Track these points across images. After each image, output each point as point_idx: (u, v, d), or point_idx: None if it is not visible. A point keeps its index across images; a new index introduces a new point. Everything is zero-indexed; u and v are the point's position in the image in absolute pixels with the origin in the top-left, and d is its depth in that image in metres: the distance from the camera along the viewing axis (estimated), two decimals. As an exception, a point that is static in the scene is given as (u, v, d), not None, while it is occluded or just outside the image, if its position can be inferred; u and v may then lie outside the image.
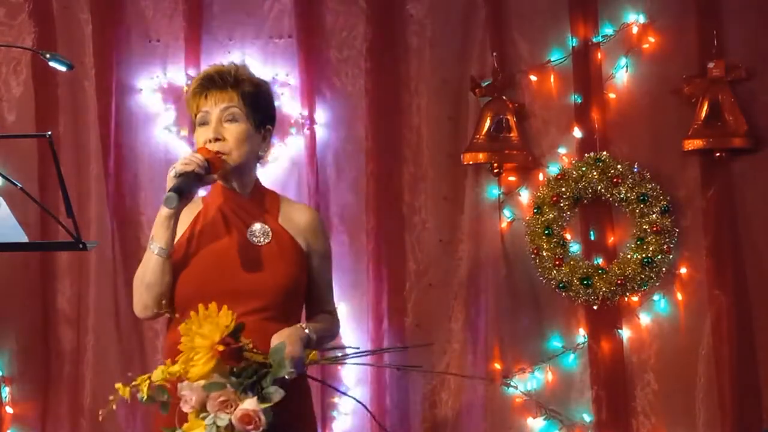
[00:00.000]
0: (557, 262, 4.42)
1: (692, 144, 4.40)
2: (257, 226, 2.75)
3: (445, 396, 4.51)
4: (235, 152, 2.73)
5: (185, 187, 2.62)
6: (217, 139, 2.72)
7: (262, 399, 2.43)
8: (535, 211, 4.46)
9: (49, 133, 3.04)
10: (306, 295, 2.84)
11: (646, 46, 4.49)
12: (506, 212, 4.53)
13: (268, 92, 2.82)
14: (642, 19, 4.49)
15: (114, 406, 2.52)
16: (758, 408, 4.37)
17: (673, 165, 4.47)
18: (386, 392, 4.47)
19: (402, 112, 4.58)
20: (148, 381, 2.52)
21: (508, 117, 4.48)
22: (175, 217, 2.67)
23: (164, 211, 2.66)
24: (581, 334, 4.47)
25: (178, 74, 4.65)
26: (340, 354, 2.88)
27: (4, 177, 3.34)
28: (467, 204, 4.55)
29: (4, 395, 4.61)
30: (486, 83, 4.52)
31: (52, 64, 3.84)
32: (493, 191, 4.53)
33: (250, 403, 2.41)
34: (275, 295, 2.68)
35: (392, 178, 4.58)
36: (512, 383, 4.45)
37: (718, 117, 4.37)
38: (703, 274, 4.42)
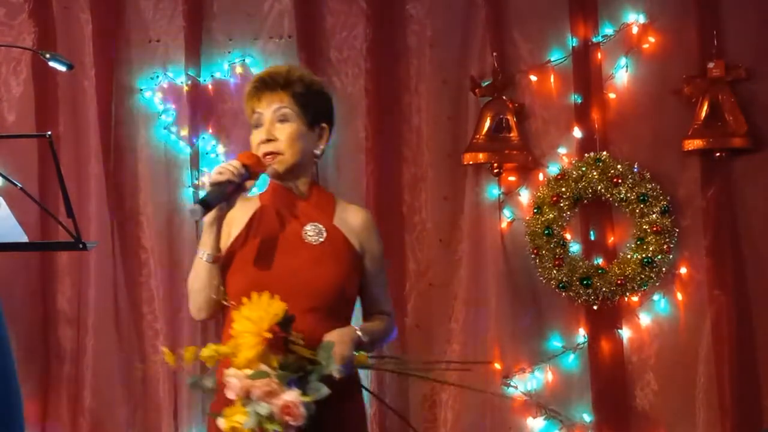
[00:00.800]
0: (557, 262, 4.42)
1: (692, 144, 4.40)
2: (311, 226, 2.76)
3: (445, 396, 4.50)
4: (287, 152, 2.74)
5: (213, 200, 2.62)
6: (269, 140, 2.74)
7: (305, 393, 2.45)
8: (535, 211, 4.46)
9: (49, 133, 3.05)
10: (361, 296, 2.86)
11: (646, 46, 4.49)
12: (506, 212, 4.53)
13: (320, 91, 2.83)
14: (642, 19, 4.49)
15: (140, 372, 2.56)
16: (758, 408, 4.38)
17: (673, 165, 4.47)
18: (386, 392, 4.47)
19: (402, 112, 4.58)
20: (194, 351, 2.54)
21: (508, 117, 4.48)
22: (218, 222, 2.69)
23: (207, 218, 2.69)
24: (581, 334, 4.47)
25: (178, 74, 4.65)
26: (389, 362, 2.89)
27: (4, 177, 3.34)
28: (467, 204, 4.55)
29: (4, 395, 4.60)
30: (486, 83, 4.52)
31: (52, 64, 3.84)
32: (493, 191, 4.53)
33: (291, 395, 2.44)
34: (327, 295, 2.69)
35: (392, 178, 4.58)
36: (512, 383, 4.45)
37: (718, 117, 4.37)
38: (703, 274, 4.43)
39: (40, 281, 4.67)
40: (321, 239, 2.74)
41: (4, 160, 4.45)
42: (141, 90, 4.69)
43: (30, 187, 3.64)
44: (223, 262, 2.72)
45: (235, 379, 2.47)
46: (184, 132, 4.63)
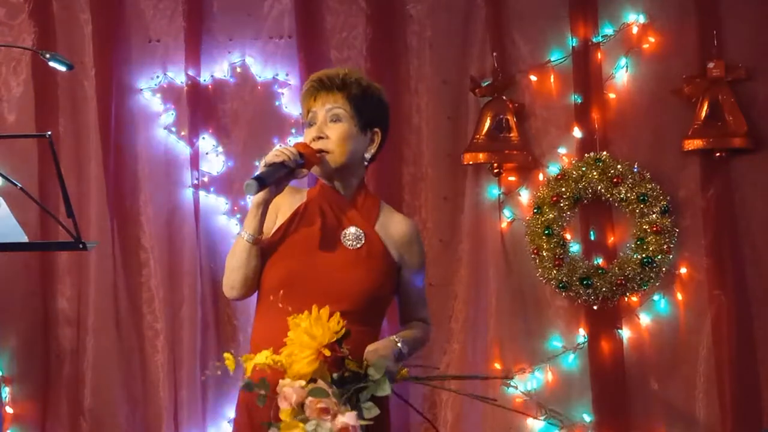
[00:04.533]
0: (557, 262, 4.42)
1: (692, 144, 4.40)
2: (352, 229, 2.76)
3: (445, 396, 4.51)
4: (336, 150, 2.75)
5: (268, 177, 2.63)
6: (320, 138, 2.75)
7: (360, 414, 2.46)
8: (535, 211, 4.46)
9: (49, 133, 3.05)
10: (399, 303, 2.87)
11: (646, 46, 4.49)
12: (506, 212, 4.53)
13: (376, 96, 2.83)
14: (642, 19, 4.49)
15: (218, 372, 2.53)
16: (758, 408, 4.38)
17: (673, 165, 4.47)
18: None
19: (402, 112, 4.58)
20: (252, 360, 2.52)
21: (508, 117, 4.48)
22: (264, 205, 2.70)
23: (254, 200, 2.70)
24: (581, 334, 4.47)
25: (178, 74, 4.65)
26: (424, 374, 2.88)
27: (4, 177, 3.34)
28: (467, 204, 4.55)
29: (4, 395, 4.61)
30: (486, 83, 4.52)
31: (52, 64, 3.84)
32: (493, 191, 4.53)
33: (351, 417, 2.43)
34: (358, 301, 2.69)
35: (392, 178, 4.58)
36: (512, 383, 4.45)
37: (718, 117, 4.37)
38: (703, 274, 4.43)
39: (40, 281, 4.67)
40: (359, 245, 2.75)
41: (4, 160, 4.45)
42: (141, 90, 4.69)
43: (30, 187, 3.65)
44: (263, 249, 2.73)
45: (290, 390, 2.46)
46: (184, 132, 4.63)
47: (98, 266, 4.62)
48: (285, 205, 2.80)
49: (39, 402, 4.64)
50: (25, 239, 3.09)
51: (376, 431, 2.63)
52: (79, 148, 4.69)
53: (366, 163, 2.83)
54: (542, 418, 4.42)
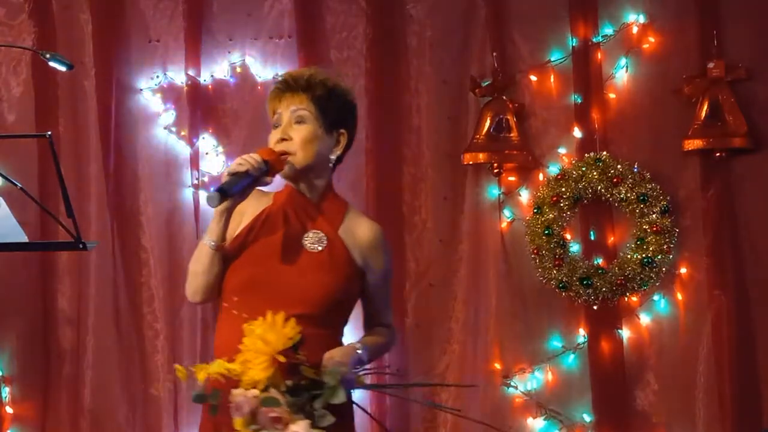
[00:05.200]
0: (557, 262, 4.42)
1: (692, 144, 4.40)
2: (313, 233, 2.75)
3: (445, 396, 4.50)
4: (300, 152, 2.73)
5: (231, 188, 2.62)
6: (284, 140, 2.74)
7: (313, 422, 2.43)
8: (535, 211, 4.46)
9: (49, 133, 3.04)
10: (363, 308, 2.85)
11: (646, 46, 4.49)
12: (506, 212, 4.53)
13: (342, 97, 2.80)
14: (642, 19, 4.49)
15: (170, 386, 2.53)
16: (758, 408, 4.38)
17: (673, 165, 4.47)
18: (386, 391, 4.46)
19: (402, 112, 4.58)
20: (206, 368, 2.50)
21: (508, 117, 4.48)
22: (228, 213, 2.69)
23: (219, 207, 2.69)
24: (581, 334, 4.47)
25: (178, 74, 4.65)
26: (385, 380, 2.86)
27: (4, 177, 3.34)
28: (467, 204, 4.55)
29: (4, 395, 4.61)
30: (486, 83, 4.52)
31: (52, 64, 3.83)
32: (493, 191, 4.53)
33: (302, 426, 2.41)
34: (317, 304, 2.67)
35: (392, 178, 4.58)
36: (512, 383, 4.45)
37: (718, 117, 4.37)
38: (703, 274, 4.43)
39: (40, 281, 4.67)
40: (320, 248, 2.72)
41: (4, 160, 4.45)
42: (141, 90, 4.69)
43: (30, 187, 3.64)
44: (225, 254, 2.73)
45: (243, 399, 2.44)
46: (184, 132, 4.63)
47: (98, 266, 4.62)
48: (250, 209, 2.78)
49: (39, 402, 4.64)
50: (25, 239, 3.09)
51: None
52: (79, 148, 4.69)
53: (332, 165, 2.80)
54: (542, 417, 4.43)
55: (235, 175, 2.63)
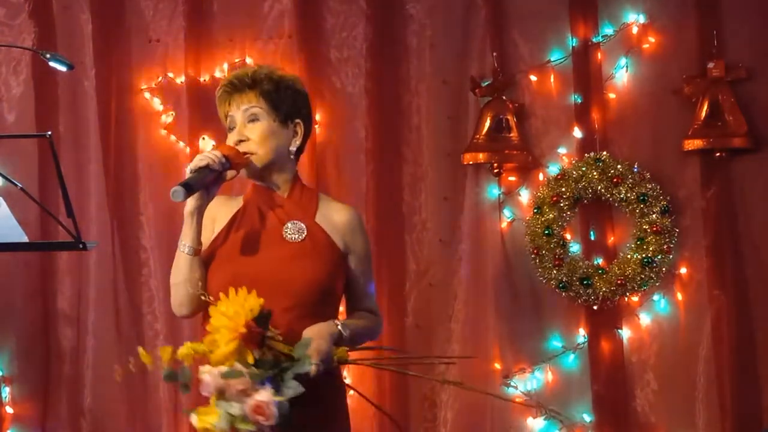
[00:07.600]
0: (557, 262, 4.42)
1: (692, 144, 4.40)
2: (291, 224, 2.76)
3: (445, 396, 4.50)
4: (260, 151, 2.75)
5: (195, 183, 2.64)
6: (241, 141, 2.75)
7: (279, 392, 2.43)
8: (535, 211, 4.46)
9: (49, 133, 3.04)
10: (346, 293, 2.86)
11: (646, 46, 4.49)
12: (506, 212, 4.53)
13: (291, 87, 2.82)
14: (642, 19, 4.49)
15: (132, 369, 2.51)
16: (758, 408, 4.37)
17: (673, 165, 4.47)
18: (386, 391, 4.46)
19: (402, 112, 4.58)
20: (170, 351, 2.50)
21: (508, 117, 4.48)
22: (198, 214, 2.70)
23: (187, 209, 2.71)
24: (581, 334, 4.47)
25: (178, 74, 4.65)
26: (376, 355, 2.86)
27: (4, 177, 3.34)
28: (467, 204, 4.55)
29: (4, 395, 4.61)
30: (486, 83, 4.52)
31: (52, 64, 3.84)
32: (493, 191, 4.53)
33: (263, 395, 2.41)
34: (306, 294, 2.69)
35: (392, 178, 4.58)
36: (512, 383, 4.45)
37: (718, 117, 4.37)
38: (703, 274, 4.42)
39: (40, 281, 4.67)
40: (301, 237, 2.74)
41: (4, 160, 4.45)
42: (141, 90, 4.69)
43: (30, 187, 3.64)
44: (204, 259, 2.73)
45: (209, 377, 2.44)
46: (184, 132, 4.63)
47: (98, 266, 4.62)
48: (221, 214, 2.80)
49: (39, 402, 4.65)
50: (25, 239, 3.09)
51: (334, 422, 2.63)
52: (79, 148, 4.69)
53: (293, 157, 2.82)
54: (542, 417, 4.43)
55: (197, 171, 2.65)
